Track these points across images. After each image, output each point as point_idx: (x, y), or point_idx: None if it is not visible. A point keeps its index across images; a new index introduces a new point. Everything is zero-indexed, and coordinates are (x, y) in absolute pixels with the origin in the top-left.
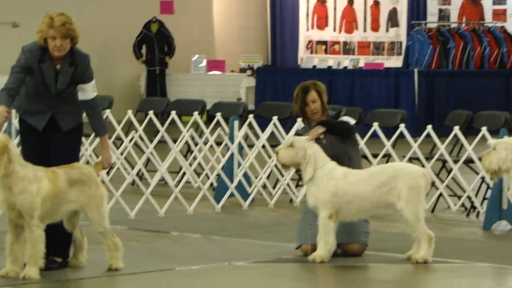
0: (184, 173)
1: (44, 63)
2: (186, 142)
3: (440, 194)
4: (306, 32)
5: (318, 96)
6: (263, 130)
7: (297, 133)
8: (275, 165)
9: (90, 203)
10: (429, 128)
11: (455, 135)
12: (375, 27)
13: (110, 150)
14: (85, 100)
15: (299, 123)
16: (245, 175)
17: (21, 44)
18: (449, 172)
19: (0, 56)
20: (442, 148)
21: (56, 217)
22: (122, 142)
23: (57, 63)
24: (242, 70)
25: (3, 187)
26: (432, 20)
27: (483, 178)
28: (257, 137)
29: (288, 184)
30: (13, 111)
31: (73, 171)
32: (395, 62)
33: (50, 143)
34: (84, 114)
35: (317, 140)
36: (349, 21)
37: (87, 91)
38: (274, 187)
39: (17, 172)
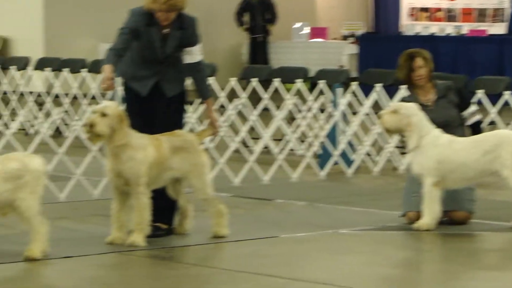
0: (287, 141)
1: (152, 27)
2: (290, 110)
3: None
4: None
5: (424, 63)
6: (366, 97)
7: (403, 101)
8: (379, 132)
9: (192, 170)
10: None
11: None
12: None
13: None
14: (192, 63)
15: (403, 91)
16: (349, 142)
17: (124, 13)
18: None
19: (103, 24)
20: None
21: (159, 184)
22: (226, 109)
23: (165, 27)
24: (344, 38)
25: (111, 155)
26: None
27: None
28: (361, 104)
29: (392, 152)
30: (118, 78)
31: (176, 139)
32: (499, 29)
33: (154, 110)
34: (187, 82)
35: (424, 107)
36: None
37: (194, 54)
38: (378, 154)
39: (122, 140)
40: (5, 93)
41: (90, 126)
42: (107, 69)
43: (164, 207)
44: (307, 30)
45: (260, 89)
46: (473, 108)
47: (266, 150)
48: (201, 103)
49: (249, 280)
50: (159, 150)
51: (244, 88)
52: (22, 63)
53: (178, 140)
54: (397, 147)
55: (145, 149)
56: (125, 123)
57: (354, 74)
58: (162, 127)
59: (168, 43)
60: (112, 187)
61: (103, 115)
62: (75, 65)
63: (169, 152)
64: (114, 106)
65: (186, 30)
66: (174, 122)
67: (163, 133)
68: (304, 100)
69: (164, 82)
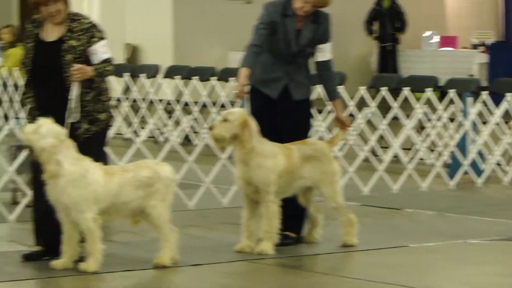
0: (417, 150)
1: (287, 18)
2: (419, 119)
3: None
4: None
5: None
6: (496, 106)
7: None
8: (510, 142)
9: (323, 179)
10: None
11: None
12: None
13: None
14: (323, 61)
15: None
16: (479, 152)
17: (254, 21)
18: None
19: (233, 33)
20: None
21: (289, 193)
22: (355, 118)
23: (299, 20)
24: (474, 46)
25: (240, 162)
26: None
27: None
28: (491, 113)
29: None
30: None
31: (307, 147)
32: None
33: (281, 114)
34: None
35: None
36: None
37: (326, 52)
38: (508, 164)
39: (252, 147)
40: (134, 101)
41: (210, 129)
42: (242, 73)
43: (294, 215)
44: (436, 38)
45: (389, 98)
46: None
47: (396, 159)
48: (329, 103)
49: None
50: (290, 159)
51: (373, 97)
52: (152, 71)
53: (310, 149)
54: None
55: (275, 157)
56: (250, 129)
57: (484, 83)
58: (288, 131)
59: (303, 33)
60: (243, 195)
61: (225, 120)
62: (204, 73)
63: (300, 161)
64: (238, 112)
65: (320, 25)
66: (300, 126)
67: (289, 138)
68: (433, 109)
69: (293, 85)
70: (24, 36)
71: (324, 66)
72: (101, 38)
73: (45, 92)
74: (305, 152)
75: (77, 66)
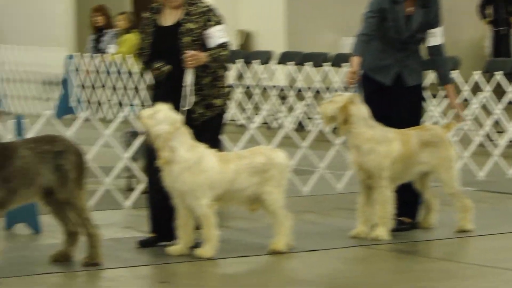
0: None
1: (397, 4)
2: None
3: None
4: None
5: None
6: None
7: None
8: None
9: (440, 164)
10: None
11: None
12: None
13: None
14: (434, 46)
15: None
16: None
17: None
18: None
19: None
20: None
21: (406, 179)
22: (469, 103)
23: (409, 5)
24: None
25: (352, 147)
26: None
27: None
28: None
29: None
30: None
31: (425, 133)
32: None
33: (394, 101)
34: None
35: None
36: None
37: (436, 36)
38: None
39: (363, 132)
40: (248, 87)
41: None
42: (354, 62)
43: (408, 201)
44: None
45: (504, 82)
46: None
47: (511, 144)
48: (442, 87)
49: (496, 274)
50: (407, 145)
51: (488, 81)
52: (265, 57)
53: (427, 134)
54: None
55: (389, 143)
56: (351, 113)
57: None
58: (401, 118)
59: (412, 20)
60: (358, 180)
61: (331, 101)
62: (317, 59)
63: (417, 146)
64: (344, 96)
65: (430, 9)
66: (413, 113)
67: (401, 124)
68: None
69: (405, 71)
70: (142, 24)
71: (435, 50)
72: (218, 23)
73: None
74: (423, 138)
75: (190, 52)
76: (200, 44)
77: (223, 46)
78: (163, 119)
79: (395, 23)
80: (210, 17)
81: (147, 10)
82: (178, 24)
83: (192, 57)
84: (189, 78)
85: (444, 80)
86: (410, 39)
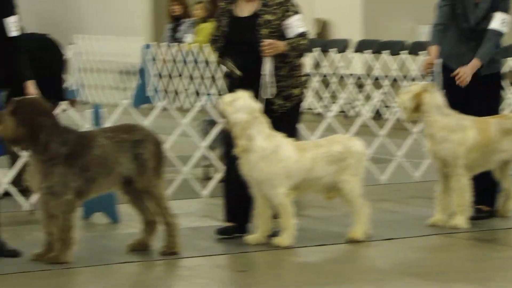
0: None
1: None
2: None
3: None
4: None
5: None
6: None
7: None
8: None
9: None
10: None
11: None
12: None
13: None
14: (488, 29)
15: None
16: None
17: None
18: None
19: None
20: None
21: (485, 167)
22: None
23: None
24: None
25: (427, 136)
26: None
27: None
28: None
29: None
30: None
31: (506, 121)
32: None
33: (469, 89)
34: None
35: None
36: None
37: (494, 20)
38: None
39: (437, 121)
40: (325, 76)
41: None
42: (431, 51)
43: (486, 189)
44: None
45: None
46: None
47: None
48: None
49: None
50: (484, 133)
51: None
52: (341, 46)
53: (508, 123)
54: None
55: (463, 131)
56: (424, 102)
57: None
58: (478, 107)
59: (479, 8)
60: (436, 169)
61: (407, 91)
62: (394, 47)
63: (497, 134)
64: (419, 85)
65: None
66: (490, 102)
67: (478, 112)
68: None
69: None
70: (217, 14)
71: (487, 34)
72: (296, 12)
73: (240, 67)
74: (503, 126)
75: (268, 41)
76: (278, 35)
77: (302, 35)
78: (242, 107)
79: (463, 11)
80: (288, 8)
81: (222, 0)
82: (255, 15)
83: (270, 45)
84: (267, 67)
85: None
86: (478, 27)
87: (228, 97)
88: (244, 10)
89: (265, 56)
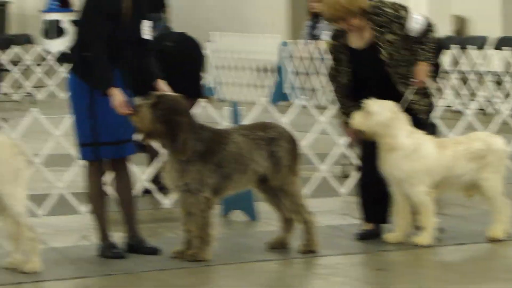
0: None
1: None
2: None
3: None
4: None
5: None
6: None
7: None
8: None
9: None
10: None
11: None
12: None
13: None
14: None
15: None
16: None
17: None
18: None
19: None
20: None
21: None
22: None
23: None
24: None
25: None
26: None
27: None
28: None
29: None
30: None
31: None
32: None
33: None
34: None
35: None
36: None
37: None
38: None
39: None
40: (463, 73)
41: None
42: None
43: None
44: None
45: None
46: None
47: None
48: None
49: None
50: None
51: None
52: (480, 43)
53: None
54: None
55: None
56: None
57: None
58: None
59: None
60: None
61: None
62: None
63: None
64: None
65: None
66: None
67: None
68: None
69: None
70: (331, 52)
71: None
72: (407, 11)
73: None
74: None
75: (419, 76)
76: (407, 48)
77: (427, 29)
78: (381, 108)
79: None
80: (400, 16)
81: (332, 38)
82: (373, 46)
83: (422, 79)
84: (410, 94)
85: None
86: None
87: (359, 112)
88: (358, 41)
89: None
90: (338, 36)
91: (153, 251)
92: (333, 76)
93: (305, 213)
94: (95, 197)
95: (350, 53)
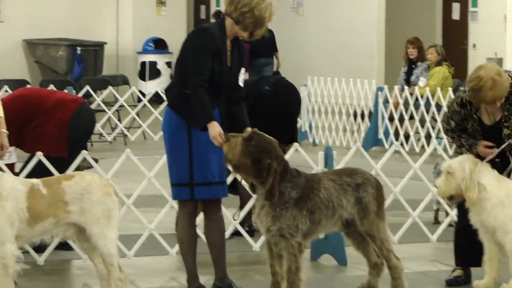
0: None
1: None
2: None
3: None
4: None
5: None
6: None
7: None
8: None
9: None
10: None
11: None
12: None
13: None
14: None
15: None
16: None
17: None
18: None
19: None
20: None
21: None
22: None
23: None
24: None
25: None
26: None
27: None
28: None
29: None
30: None
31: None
32: None
33: None
34: None
35: None
36: None
37: None
38: None
39: None
40: None
41: None
42: None
43: None
44: None
45: None
46: None
47: None
48: None
49: None
50: None
51: None
52: None
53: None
54: None
55: None
56: None
57: None
58: None
59: None
60: None
61: None
62: None
63: None
64: None
65: None
66: None
67: None
68: None
69: None
70: (453, 111)
71: None
72: None
73: None
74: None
75: None
76: None
77: None
78: (464, 160)
79: None
80: None
81: (460, 105)
82: (499, 122)
83: None
84: None
85: None
86: None
87: (446, 162)
88: (487, 117)
89: None
90: (465, 105)
91: None
92: (449, 131)
93: (393, 258)
94: (186, 238)
95: (479, 127)
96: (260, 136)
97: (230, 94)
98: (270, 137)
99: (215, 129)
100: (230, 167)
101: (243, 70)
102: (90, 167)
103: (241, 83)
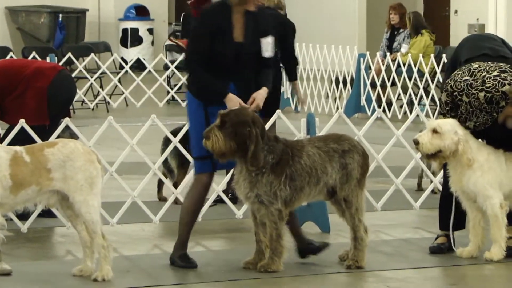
0: None
1: None
2: None
3: None
4: None
5: None
6: None
7: None
8: None
9: None
10: None
11: None
12: None
13: None
14: None
15: None
16: None
17: None
18: None
19: None
20: None
21: None
22: None
23: None
24: None
25: None
26: None
27: None
28: None
29: None
30: None
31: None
32: None
33: None
34: None
35: None
36: None
37: None
38: None
39: None
40: None
41: None
42: None
43: None
44: None
45: None
46: None
47: None
48: None
49: None
50: None
51: None
52: None
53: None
54: None
55: None
56: None
57: None
58: None
59: None
60: None
61: None
62: None
63: None
64: None
65: None
66: None
67: None
68: None
69: None
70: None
71: None
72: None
73: None
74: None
75: None
76: None
77: None
78: (453, 125)
79: None
80: None
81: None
82: None
83: None
84: None
85: None
86: None
87: (424, 134)
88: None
89: None
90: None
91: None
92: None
93: (362, 230)
94: (192, 210)
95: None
96: (230, 114)
97: (253, 65)
98: (239, 108)
99: (232, 102)
100: (217, 157)
101: (269, 39)
102: (73, 134)
103: (265, 54)
